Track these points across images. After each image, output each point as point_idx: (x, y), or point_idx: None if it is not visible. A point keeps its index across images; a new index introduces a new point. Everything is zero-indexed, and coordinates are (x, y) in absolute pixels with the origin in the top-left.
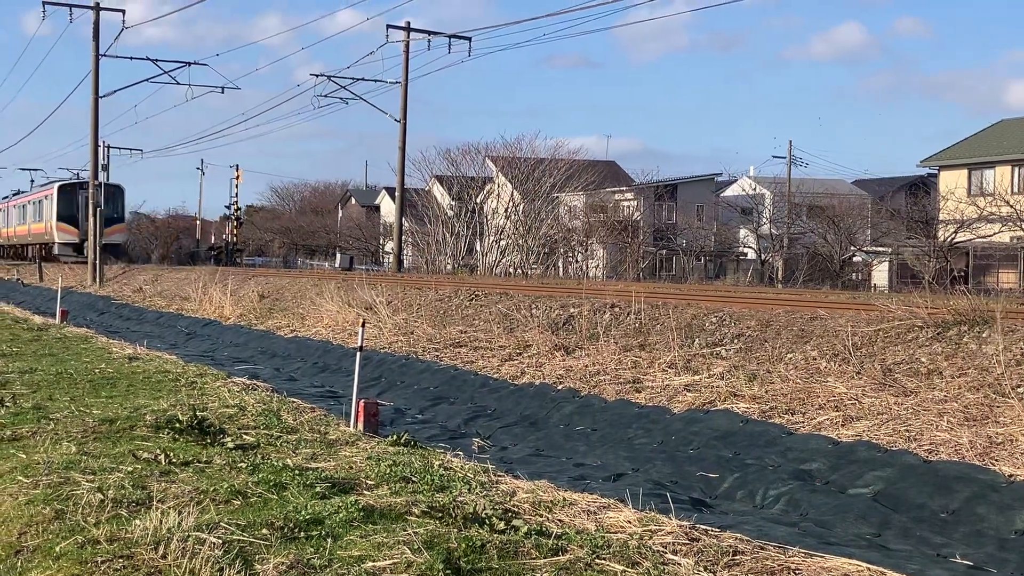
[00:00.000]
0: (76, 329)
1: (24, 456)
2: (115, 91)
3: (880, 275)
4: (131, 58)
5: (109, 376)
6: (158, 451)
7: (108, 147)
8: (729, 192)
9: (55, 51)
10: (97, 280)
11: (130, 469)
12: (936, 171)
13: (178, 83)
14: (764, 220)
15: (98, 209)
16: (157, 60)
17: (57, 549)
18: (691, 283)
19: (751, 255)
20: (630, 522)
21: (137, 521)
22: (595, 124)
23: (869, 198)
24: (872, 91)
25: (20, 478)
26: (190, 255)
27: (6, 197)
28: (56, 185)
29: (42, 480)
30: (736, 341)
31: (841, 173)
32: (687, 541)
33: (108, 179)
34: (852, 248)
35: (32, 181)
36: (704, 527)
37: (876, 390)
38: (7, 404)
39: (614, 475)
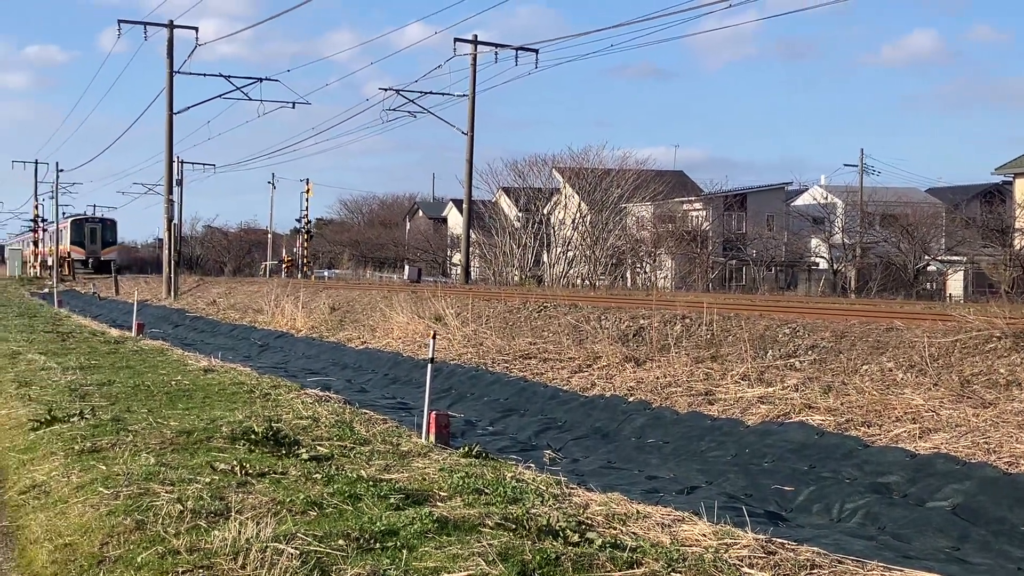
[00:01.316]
0: (152, 342)
1: (104, 467)
2: (189, 107)
3: (955, 284)
4: (204, 75)
5: (185, 388)
6: (235, 462)
7: (182, 162)
8: (800, 201)
9: (130, 68)
10: (172, 293)
11: (208, 480)
12: (1011, 179)
13: (250, 99)
14: (836, 229)
15: (172, 223)
16: (230, 76)
17: (138, 559)
18: (762, 294)
19: (823, 265)
20: (705, 535)
21: (216, 531)
22: (663, 134)
23: (943, 206)
24: (945, 97)
25: (101, 489)
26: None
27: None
28: (69, 219)
29: (122, 491)
30: (810, 353)
31: (914, 181)
32: (763, 555)
33: (182, 195)
34: (926, 257)
35: (64, 214)
36: (780, 541)
37: (954, 402)
38: (87, 416)
39: (687, 488)
